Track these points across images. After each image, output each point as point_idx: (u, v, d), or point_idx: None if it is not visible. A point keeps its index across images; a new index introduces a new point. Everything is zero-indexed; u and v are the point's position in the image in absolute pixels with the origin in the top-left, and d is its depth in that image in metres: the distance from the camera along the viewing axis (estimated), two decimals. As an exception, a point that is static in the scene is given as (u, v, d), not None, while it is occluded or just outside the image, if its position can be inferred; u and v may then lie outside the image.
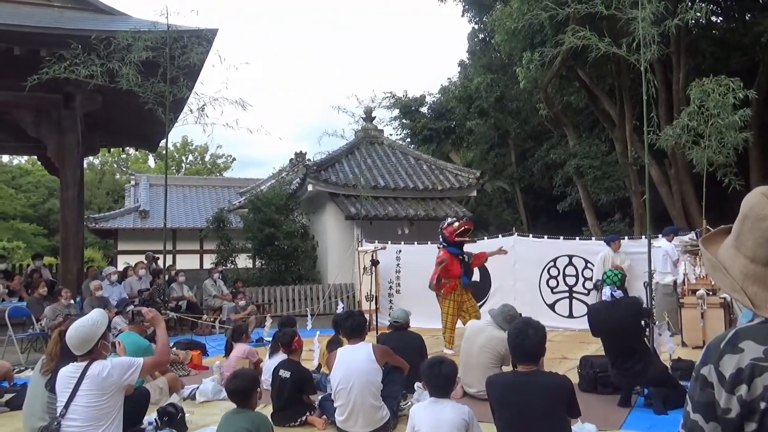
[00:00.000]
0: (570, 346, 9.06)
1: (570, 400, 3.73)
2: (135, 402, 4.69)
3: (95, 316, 4.03)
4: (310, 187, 15.97)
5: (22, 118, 11.54)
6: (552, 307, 11.14)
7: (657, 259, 9.68)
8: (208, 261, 20.06)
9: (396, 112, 27.01)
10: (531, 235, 12.35)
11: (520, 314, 5.93)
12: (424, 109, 26.57)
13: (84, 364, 3.87)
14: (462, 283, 8.81)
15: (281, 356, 6.13)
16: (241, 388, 4.08)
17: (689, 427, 1.37)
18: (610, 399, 5.85)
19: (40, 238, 32.44)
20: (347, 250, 14.57)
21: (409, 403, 5.31)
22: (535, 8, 11.08)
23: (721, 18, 17.85)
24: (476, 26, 23.61)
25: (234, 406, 4.15)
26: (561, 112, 20.02)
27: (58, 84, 10.08)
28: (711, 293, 8.61)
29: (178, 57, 9.08)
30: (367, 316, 6.26)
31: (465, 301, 8.85)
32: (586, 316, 6.47)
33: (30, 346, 10.13)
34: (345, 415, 5.00)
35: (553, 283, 11.23)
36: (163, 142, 14.13)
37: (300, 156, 25.25)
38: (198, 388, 6.52)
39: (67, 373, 3.88)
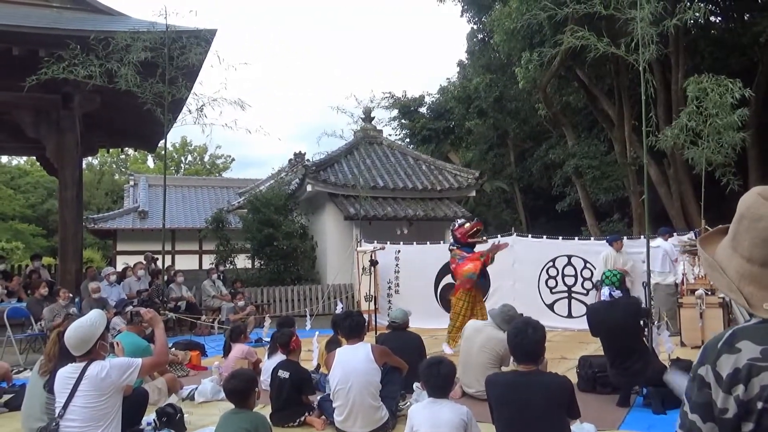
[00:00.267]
0: (569, 346, 9.06)
1: (570, 400, 3.73)
2: (134, 402, 4.69)
3: (93, 316, 4.03)
4: (309, 188, 15.97)
5: (21, 118, 11.53)
6: (551, 307, 11.14)
7: (657, 259, 9.69)
8: (207, 261, 20.04)
9: (395, 112, 27.05)
10: (530, 235, 12.36)
11: (521, 314, 5.93)
12: (423, 110, 26.59)
13: (82, 364, 3.86)
14: (478, 283, 8.74)
15: (280, 356, 6.13)
16: (239, 388, 4.08)
17: (687, 427, 1.37)
18: (608, 399, 5.85)
19: (38, 238, 32.42)
20: (346, 251, 14.56)
21: (408, 403, 5.31)
22: (534, 8, 11.08)
23: (719, 18, 17.87)
24: (475, 26, 23.63)
25: (232, 406, 4.15)
26: (560, 112, 20.04)
27: (56, 84, 10.07)
28: (710, 293, 8.61)
29: (176, 57, 9.08)
30: (366, 316, 6.26)
31: (477, 303, 8.76)
32: (584, 316, 6.48)
33: (29, 346, 10.13)
34: (344, 416, 5.00)
35: (552, 283, 11.24)
36: (162, 143, 14.15)
37: (299, 156, 25.25)
38: (197, 388, 6.52)
39: (66, 373, 3.88)
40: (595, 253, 10.92)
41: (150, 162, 43.47)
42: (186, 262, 21.84)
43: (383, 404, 5.06)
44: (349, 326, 5.35)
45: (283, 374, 5.52)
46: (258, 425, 4.01)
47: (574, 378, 5.86)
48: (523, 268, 11.26)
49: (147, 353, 5.35)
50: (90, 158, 34.00)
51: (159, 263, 13.82)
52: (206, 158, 48.62)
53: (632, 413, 5.52)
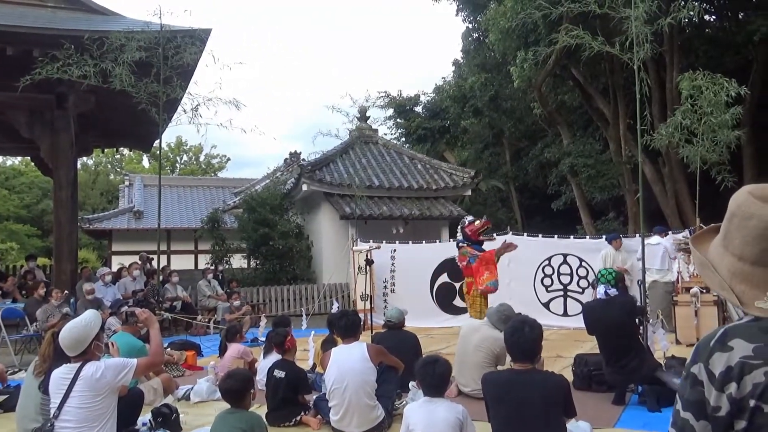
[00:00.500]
0: (565, 344, 9.08)
1: (566, 400, 3.74)
2: (129, 403, 4.68)
3: (88, 317, 4.02)
4: (304, 187, 15.96)
5: (16, 118, 11.48)
6: (547, 305, 11.16)
7: (657, 257, 9.71)
8: (203, 261, 20.02)
9: (390, 111, 27.04)
10: (525, 234, 12.38)
11: (519, 314, 5.93)
12: (418, 109, 26.59)
13: (77, 365, 3.85)
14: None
15: (275, 356, 6.12)
16: (235, 388, 4.07)
17: (680, 425, 1.38)
18: (604, 397, 5.86)
19: (33, 239, 32.30)
20: (342, 250, 14.57)
21: (404, 402, 5.31)
22: (529, 7, 11.12)
23: (714, 17, 17.89)
24: (470, 25, 23.62)
25: (228, 406, 4.14)
26: (555, 111, 20.06)
27: (51, 84, 10.04)
28: (705, 291, 8.63)
29: (171, 57, 9.06)
30: (361, 315, 6.27)
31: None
32: (580, 315, 6.49)
33: (24, 347, 10.10)
34: (340, 415, 5.00)
35: (547, 281, 11.26)
36: (157, 143, 14.11)
37: (294, 156, 25.21)
38: (192, 388, 6.51)
39: (61, 374, 3.86)
40: (590, 251, 10.93)
41: (145, 162, 43.40)
42: (181, 262, 21.83)
43: (379, 403, 5.06)
44: (345, 325, 5.35)
45: (279, 374, 5.52)
46: (254, 425, 4.01)
47: (569, 376, 5.87)
48: (519, 267, 11.26)
49: (142, 353, 5.33)
50: (85, 158, 33.83)
51: (153, 263, 13.78)
52: (202, 158, 48.54)
53: (627, 411, 5.53)
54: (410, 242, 12.95)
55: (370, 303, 10.60)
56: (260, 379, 6.33)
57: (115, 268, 15.63)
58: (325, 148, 17.89)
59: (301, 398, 5.59)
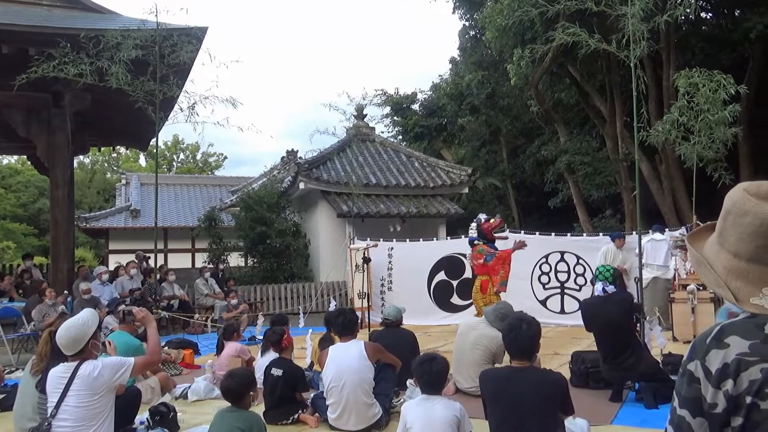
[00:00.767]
0: (562, 341, 9.10)
1: (564, 397, 3.74)
2: (126, 401, 4.68)
3: (85, 315, 4.01)
4: (301, 185, 15.96)
5: (12, 117, 11.46)
6: (544, 303, 11.17)
7: (662, 253, 9.72)
8: (200, 260, 20.00)
9: (387, 109, 26.99)
10: (523, 232, 12.36)
11: (519, 311, 5.93)
12: (415, 107, 26.57)
13: (74, 364, 3.85)
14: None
15: (273, 354, 6.11)
16: (236, 388, 4.06)
17: (676, 422, 1.38)
18: (601, 394, 5.87)
19: (30, 238, 32.24)
20: (339, 248, 14.56)
21: (402, 400, 5.31)
22: (526, 5, 11.12)
23: (710, 14, 17.91)
24: (467, 23, 23.61)
25: (225, 404, 4.14)
26: (552, 109, 20.05)
27: (47, 83, 10.01)
28: (701, 288, 8.65)
29: (167, 55, 9.03)
30: (359, 313, 6.27)
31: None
32: (577, 312, 6.50)
33: (21, 346, 10.09)
34: (337, 413, 5.00)
35: (545, 279, 11.27)
36: (153, 141, 14.08)
37: (291, 154, 25.14)
38: (190, 387, 6.51)
39: (58, 373, 3.86)
40: (587, 249, 10.94)
41: (142, 160, 43.30)
42: (178, 261, 21.83)
43: (377, 401, 5.07)
44: (342, 324, 5.36)
45: (277, 372, 5.52)
46: (252, 424, 4.00)
47: (566, 374, 5.89)
48: (516, 265, 11.13)
49: (139, 352, 5.33)
50: (81, 157, 33.83)
51: (151, 262, 13.77)
52: (198, 156, 48.49)
53: (625, 408, 5.55)
54: (407, 240, 12.96)
55: (368, 301, 10.60)
56: (258, 377, 6.32)
57: (112, 266, 15.62)
58: (322, 146, 17.92)
59: (299, 396, 5.59)
